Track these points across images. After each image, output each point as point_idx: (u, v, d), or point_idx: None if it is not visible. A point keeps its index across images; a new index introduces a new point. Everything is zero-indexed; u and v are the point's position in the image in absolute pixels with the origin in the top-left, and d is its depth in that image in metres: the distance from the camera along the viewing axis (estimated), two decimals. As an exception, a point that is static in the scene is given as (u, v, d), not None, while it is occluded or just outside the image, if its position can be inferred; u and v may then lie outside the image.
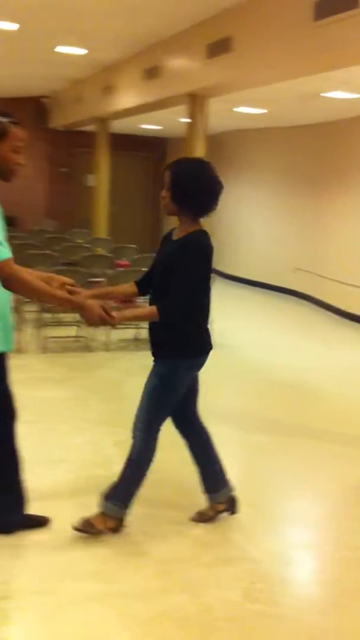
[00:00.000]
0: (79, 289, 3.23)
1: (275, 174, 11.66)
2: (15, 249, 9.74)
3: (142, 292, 3.38)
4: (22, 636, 2.62)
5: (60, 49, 8.90)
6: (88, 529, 3.31)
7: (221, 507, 3.55)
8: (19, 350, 6.81)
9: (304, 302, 10.75)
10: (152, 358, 3.29)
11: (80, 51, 9.05)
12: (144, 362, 6.60)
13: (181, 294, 3.09)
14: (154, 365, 3.28)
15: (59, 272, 5.57)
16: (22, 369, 6.31)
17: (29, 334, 7.25)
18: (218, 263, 12.72)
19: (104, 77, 10.48)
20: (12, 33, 8.15)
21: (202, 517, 3.54)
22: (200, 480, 3.54)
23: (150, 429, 3.30)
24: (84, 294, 3.22)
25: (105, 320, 3.03)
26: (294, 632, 2.73)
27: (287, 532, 3.58)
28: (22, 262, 8.74)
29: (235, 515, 3.64)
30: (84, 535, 3.29)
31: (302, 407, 5.65)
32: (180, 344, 3.20)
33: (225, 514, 3.57)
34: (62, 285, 3.18)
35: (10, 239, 10.75)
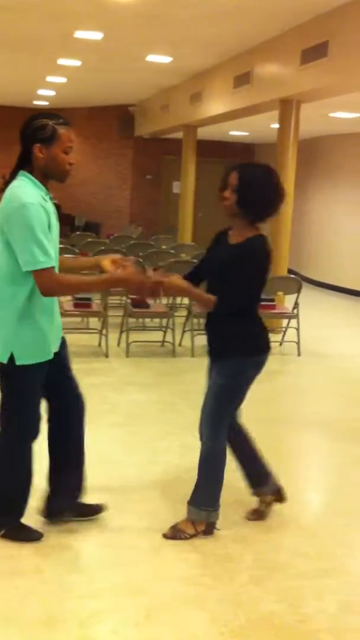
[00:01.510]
0: (128, 262, 3.18)
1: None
2: (99, 254, 9.94)
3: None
4: (113, 638, 2.61)
5: (150, 57, 9.00)
6: (178, 535, 3.31)
7: (269, 498, 3.56)
8: (104, 354, 6.90)
9: None
10: (214, 361, 3.29)
11: (168, 59, 9.13)
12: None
13: (239, 300, 3.15)
14: (218, 367, 3.27)
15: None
16: (108, 373, 6.38)
17: (113, 338, 7.33)
18: (309, 270, 12.69)
19: (192, 84, 10.53)
20: (98, 43, 8.29)
21: (258, 514, 3.56)
22: (245, 477, 3.55)
23: (219, 431, 3.29)
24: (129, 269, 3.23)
25: (149, 287, 3.05)
26: None
27: (385, 546, 3.46)
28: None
29: (331, 527, 3.56)
30: (177, 541, 3.29)
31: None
32: (246, 342, 3.22)
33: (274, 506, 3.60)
34: (114, 262, 3.15)
35: (95, 244, 11.01)
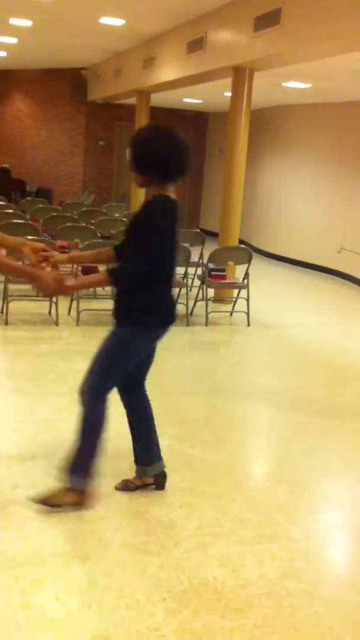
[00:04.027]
0: (52, 253, 3.21)
1: (320, 152, 11.46)
2: (50, 221, 9.75)
3: (118, 258, 3.26)
4: (55, 604, 2.62)
5: (103, 19, 8.81)
6: (50, 502, 3.25)
7: (150, 480, 3.52)
8: (54, 323, 6.84)
9: (348, 282, 10.61)
10: (115, 323, 3.22)
11: (121, 22, 8.95)
12: (180, 337, 6.68)
13: (136, 261, 3.04)
14: (112, 331, 3.20)
15: (95, 246, 5.57)
16: (57, 341, 6.33)
17: (63, 306, 7.27)
18: (259, 241, 12.74)
19: (145, 48, 10.36)
20: (50, 3, 8.08)
21: (127, 486, 3.51)
22: (135, 451, 3.49)
23: (98, 394, 3.21)
24: (58, 258, 3.25)
25: (59, 291, 3.09)
26: (332, 611, 2.70)
27: (327, 512, 3.54)
28: (57, 235, 8.73)
29: (273, 495, 3.62)
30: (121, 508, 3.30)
31: (342, 388, 5.58)
32: (141, 312, 3.13)
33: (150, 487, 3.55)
34: (35, 251, 3.13)
35: (46, 211, 10.79)
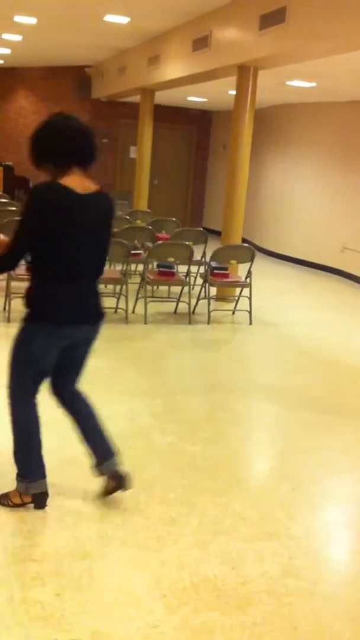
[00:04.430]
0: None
1: (324, 151, 11.44)
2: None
3: None
4: (56, 600, 2.62)
5: (107, 17, 8.81)
6: (2, 501, 3.22)
7: (109, 482, 3.33)
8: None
9: (350, 282, 10.60)
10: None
11: (126, 19, 8.95)
12: (182, 335, 6.68)
13: (11, 249, 2.86)
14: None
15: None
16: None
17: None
18: (262, 240, 12.73)
19: (150, 46, 10.36)
20: (54, 1, 8.08)
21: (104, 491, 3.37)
22: (89, 453, 3.34)
23: (19, 398, 3.08)
24: None
25: None
26: (332, 609, 2.70)
27: (329, 510, 3.53)
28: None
29: (275, 492, 3.62)
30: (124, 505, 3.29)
31: (345, 386, 5.57)
32: (34, 309, 2.94)
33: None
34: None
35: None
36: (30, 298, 2.96)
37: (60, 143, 2.90)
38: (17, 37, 11.16)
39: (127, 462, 3.58)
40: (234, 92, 7.99)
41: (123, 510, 3.30)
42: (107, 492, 3.35)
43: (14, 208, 9.15)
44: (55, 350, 3.05)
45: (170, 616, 2.57)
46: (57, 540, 3.01)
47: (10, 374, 3.07)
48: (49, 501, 3.25)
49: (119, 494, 3.37)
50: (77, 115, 2.99)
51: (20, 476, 3.17)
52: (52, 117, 2.96)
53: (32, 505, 3.22)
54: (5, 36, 11.11)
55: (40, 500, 3.21)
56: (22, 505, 3.21)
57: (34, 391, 3.12)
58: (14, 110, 15.74)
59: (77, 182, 2.90)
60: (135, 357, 5.96)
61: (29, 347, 3.00)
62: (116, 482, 3.31)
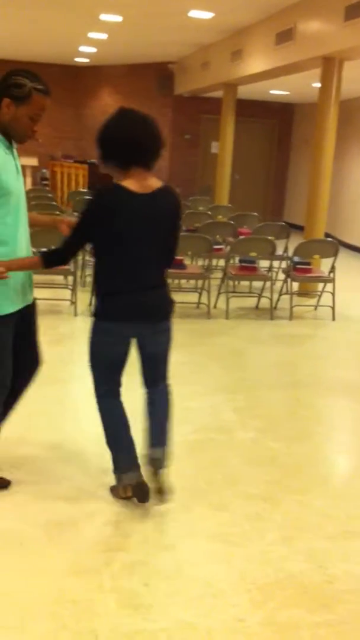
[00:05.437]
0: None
1: None
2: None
3: None
4: (144, 590, 2.68)
5: (192, 13, 8.84)
6: (114, 495, 3.33)
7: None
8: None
9: None
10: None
11: (210, 15, 8.96)
12: (264, 330, 6.67)
13: (64, 245, 2.95)
14: None
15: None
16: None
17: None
18: (345, 234, 12.52)
19: (233, 41, 10.33)
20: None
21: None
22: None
23: (97, 390, 3.23)
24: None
25: None
26: None
27: None
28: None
29: (359, 490, 3.58)
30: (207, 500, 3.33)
31: None
32: (97, 305, 3.08)
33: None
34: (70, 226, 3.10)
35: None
36: (94, 295, 3.10)
37: (121, 146, 2.91)
38: (102, 36, 11.34)
39: (208, 456, 3.61)
40: (317, 85, 7.89)
41: (208, 504, 3.34)
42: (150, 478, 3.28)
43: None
44: (120, 345, 3.11)
45: (255, 610, 2.60)
46: (143, 531, 3.07)
47: (90, 367, 3.22)
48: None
49: (202, 487, 3.40)
50: (142, 112, 2.95)
51: (114, 468, 3.27)
52: (115, 116, 2.93)
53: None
54: (92, 35, 11.31)
55: (139, 492, 3.21)
56: (127, 498, 3.28)
57: (110, 385, 3.22)
58: (99, 108, 16.01)
59: (137, 182, 2.94)
60: (216, 352, 5.99)
61: (95, 342, 3.12)
62: (150, 467, 3.23)
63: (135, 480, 3.21)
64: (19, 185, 2.93)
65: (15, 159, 2.93)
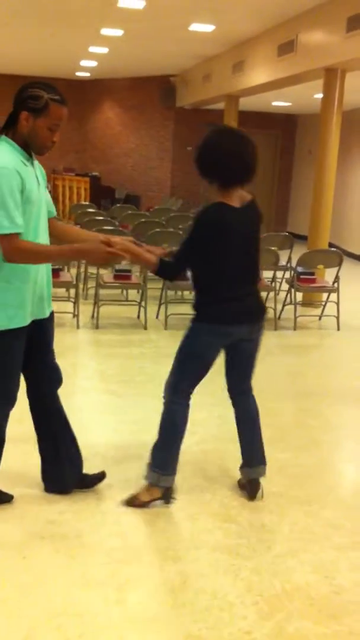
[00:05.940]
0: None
1: None
2: (140, 226, 9.93)
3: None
4: (150, 602, 2.66)
5: (192, 26, 8.89)
6: (132, 502, 3.34)
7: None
8: (143, 326, 6.94)
9: None
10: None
11: (211, 27, 9.00)
12: (269, 340, 6.64)
13: (177, 259, 3.14)
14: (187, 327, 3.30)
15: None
16: (146, 344, 6.42)
17: (152, 310, 7.37)
18: (349, 244, 12.52)
19: (235, 53, 10.38)
20: (141, 11, 8.21)
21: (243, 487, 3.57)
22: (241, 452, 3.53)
23: (175, 394, 3.31)
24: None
25: (108, 253, 2.92)
26: None
27: None
28: (146, 240, 8.89)
29: (367, 500, 3.55)
30: (210, 510, 3.30)
31: None
32: (203, 309, 3.20)
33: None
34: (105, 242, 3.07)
35: (135, 217, 11.05)
36: (196, 302, 3.22)
37: (225, 168, 3.05)
38: (103, 50, 11.42)
39: (215, 466, 3.59)
40: (320, 96, 7.91)
41: (214, 516, 3.31)
42: (249, 496, 3.49)
43: (100, 217, 9.34)
44: (216, 348, 3.27)
45: (263, 622, 2.57)
46: (149, 542, 3.05)
47: (173, 369, 3.30)
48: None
49: (208, 498, 3.39)
50: (237, 130, 3.13)
51: (156, 467, 3.31)
52: (216, 136, 3.09)
53: (156, 502, 3.35)
54: (92, 49, 11.38)
55: (167, 495, 3.36)
56: (149, 502, 3.33)
57: (192, 388, 3.33)
58: (100, 122, 16.09)
59: (237, 197, 3.12)
60: (221, 362, 5.96)
61: (194, 342, 3.24)
62: (247, 490, 3.49)
63: (170, 484, 3.35)
64: (40, 196, 2.95)
65: (35, 169, 2.95)
